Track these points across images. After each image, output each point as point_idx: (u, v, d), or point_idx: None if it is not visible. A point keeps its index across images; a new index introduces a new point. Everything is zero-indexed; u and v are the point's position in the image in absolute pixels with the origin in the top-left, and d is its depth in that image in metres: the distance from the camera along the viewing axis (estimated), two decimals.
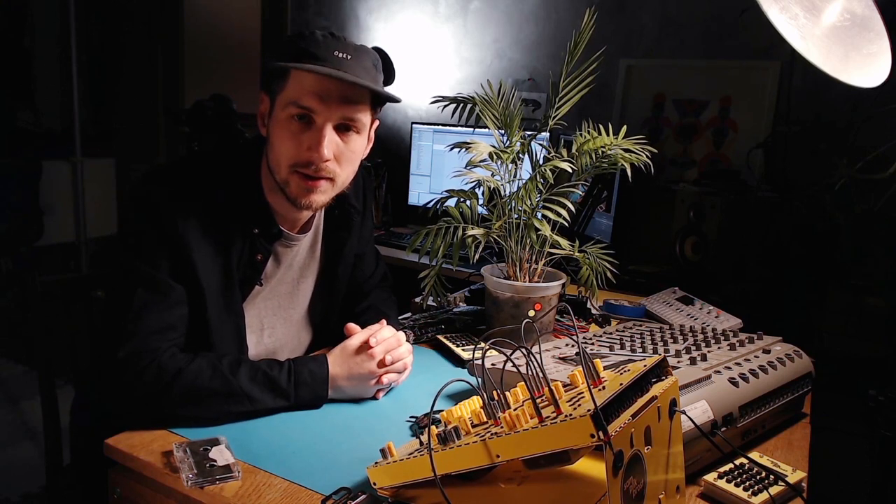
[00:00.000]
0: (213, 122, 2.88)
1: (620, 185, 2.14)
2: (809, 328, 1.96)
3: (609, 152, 1.30)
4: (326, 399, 1.10)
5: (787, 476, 0.90)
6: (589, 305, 1.61)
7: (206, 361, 1.04)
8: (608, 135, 1.31)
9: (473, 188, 1.35)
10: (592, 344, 1.22)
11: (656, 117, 2.45)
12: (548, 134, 2.16)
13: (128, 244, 1.10)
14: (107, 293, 1.21)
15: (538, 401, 0.72)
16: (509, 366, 0.76)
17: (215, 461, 0.89)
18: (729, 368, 1.02)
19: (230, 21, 3.87)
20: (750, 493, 0.86)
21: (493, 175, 1.34)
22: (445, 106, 1.38)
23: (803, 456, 1.02)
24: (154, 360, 1.02)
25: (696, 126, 2.38)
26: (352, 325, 1.18)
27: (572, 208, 1.31)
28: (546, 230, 1.29)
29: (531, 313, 1.33)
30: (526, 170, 1.36)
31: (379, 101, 1.14)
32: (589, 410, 0.65)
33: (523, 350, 0.74)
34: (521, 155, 1.34)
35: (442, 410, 0.90)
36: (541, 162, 1.35)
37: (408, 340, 1.21)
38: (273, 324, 1.27)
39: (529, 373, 0.75)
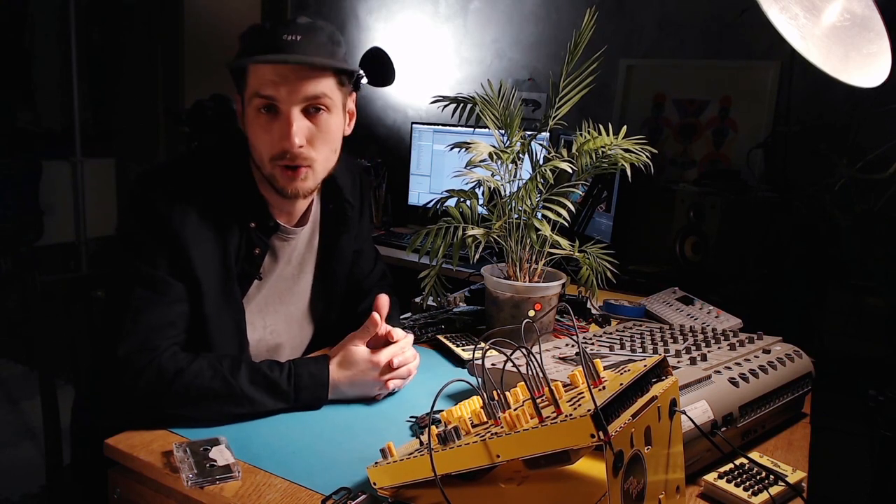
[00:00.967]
0: (213, 122, 2.88)
1: (620, 185, 2.14)
2: (809, 328, 1.96)
3: (609, 152, 1.30)
4: (327, 401, 1.10)
5: (787, 476, 0.90)
6: (589, 305, 1.61)
7: (206, 362, 1.04)
8: (608, 135, 1.31)
9: (473, 188, 1.35)
10: (592, 344, 1.22)
11: (656, 117, 2.45)
12: (548, 134, 2.16)
13: (126, 243, 1.10)
14: (106, 293, 1.21)
15: (538, 401, 0.72)
16: (509, 366, 0.76)
17: (215, 461, 0.89)
18: (729, 368, 1.02)
19: (230, 21, 3.87)
20: (750, 493, 0.86)
21: (493, 175, 1.34)
22: (445, 106, 1.38)
23: (803, 456, 1.02)
24: (154, 359, 1.02)
25: (696, 126, 2.38)
26: (375, 316, 1.15)
27: (572, 208, 1.31)
28: (546, 230, 1.29)
29: (531, 313, 1.33)
30: (526, 170, 1.36)
31: (348, 74, 1.13)
32: (589, 410, 0.65)
33: (523, 350, 0.74)
34: (521, 155, 1.34)
35: (442, 410, 0.90)
36: (541, 162, 1.35)
37: None
38: (274, 319, 1.27)
39: (529, 373, 0.75)
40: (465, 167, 1.32)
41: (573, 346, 1.23)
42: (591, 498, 0.81)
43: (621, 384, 0.72)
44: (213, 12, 3.95)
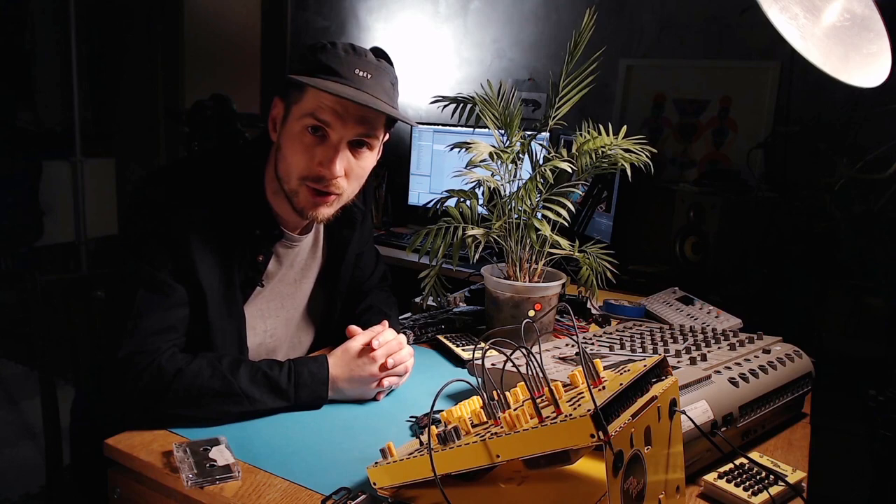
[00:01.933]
0: (213, 122, 2.88)
1: (620, 185, 2.14)
2: (809, 328, 1.96)
3: (609, 152, 1.30)
4: (327, 400, 1.10)
5: (787, 476, 0.90)
6: (589, 305, 1.61)
7: (205, 361, 1.04)
8: (608, 135, 1.31)
9: (473, 188, 1.35)
10: (592, 344, 1.22)
11: (656, 117, 2.45)
12: (548, 134, 2.16)
13: (129, 245, 1.09)
14: (107, 294, 1.21)
15: (538, 401, 0.72)
16: (509, 366, 0.76)
17: (215, 461, 0.89)
18: (729, 368, 1.02)
19: (230, 21, 3.87)
20: (750, 493, 0.86)
21: (493, 175, 1.34)
22: (445, 106, 1.38)
23: (803, 456, 1.02)
24: (154, 361, 1.02)
25: (696, 126, 2.38)
26: (353, 328, 1.17)
27: (572, 208, 1.31)
28: (546, 230, 1.29)
29: (531, 313, 1.33)
30: (526, 170, 1.36)
31: (392, 119, 1.13)
32: (589, 410, 0.65)
33: (523, 350, 0.74)
34: (521, 155, 1.35)
35: (442, 410, 0.90)
36: (541, 162, 1.35)
37: (408, 341, 1.21)
38: (274, 323, 1.27)
39: (529, 373, 0.76)
40: (465, 167, 1.32)
41: (573, 346, 1.23)
42: (591, 498, 0.81)
43: (621, 384, 0.72)
44: (213, 12, 3.95)
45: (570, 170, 1.30)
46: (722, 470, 0.90)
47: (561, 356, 1.16)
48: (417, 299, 1.60)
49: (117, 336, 1.04)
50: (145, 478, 0.94)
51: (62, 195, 3.64)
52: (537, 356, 0.76)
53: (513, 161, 1.34)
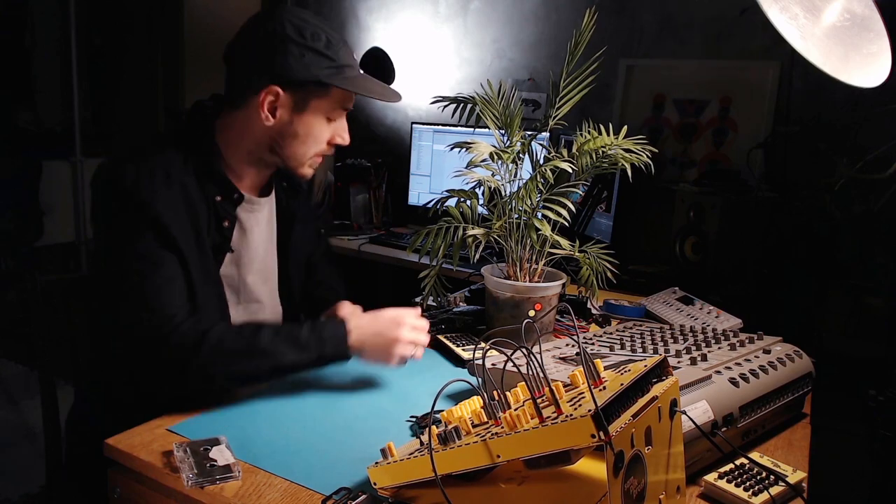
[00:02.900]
0: (212, 123, 2.88)
1: (620, 185, 2.14)
2: (809, 328, 1.96)
3: (609, 152, 1.30)
4: (350, 353, 1.13)
5: (787, 476, 0.90)
6: (589, 305, 1.61)
7: (226, 325, 1.10)
8: (608, 135, 1.31)
9: (474, 188, 1.35)
10: (593, 344, 1.22)
11: (656, 117, 2.45)
12: (548, 134, 2.16)
13: (109, 230, 1.13)
14: (100, 275, 1.22)
15: (539, 401, 0.72)
16: (510, 366, 0.76)
17: (215, 461, 0.90)
18: (729, 368, 1.02)
19: (230, 21, 3.85)
20: (750, 493, 0.86)
21: (493, 175, 1.34)
22: (445, 106, 1.38)
23: (803, 456, 1.02)
24: (175, 329, 1.05)
25: (696, 126, 2.38)
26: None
27: (572, 208, 1.31)
28: (546, 230, 1.29)
29: (531, 313, 1.33)
30: (526, 170, 1.36)
31: None
32: (590, 410, 0.65)
33: (523, 350, 0.74)
34: (521, 155, 1.35)
35: (442, 410, 0.90)
36: (541, 162, 1.35)
37: None
38: (248, 292, 1.29)
39: (530, 373, 0.75)
40: (465, 167, 1.32)
41: (573, 346, 1.23)
42: (592, 498, 0.81)
43: (622, 384, 0.72)
44: (213, 12, 3.95)
45: (570, 170, 1.30)
46: (722, 470, 0.90)
47: (561, 356, 1.16)
48: (417, 299, 1.60)
49: (128, 315, 1.07)
50: (145, 478, 0.94)
51: (62, 195, 3.63)
52: (538, 356, 0.76)
53: (513, 161, 1.34)
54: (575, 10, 2.57)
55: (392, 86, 1.23)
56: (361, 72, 1.20)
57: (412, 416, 1.09)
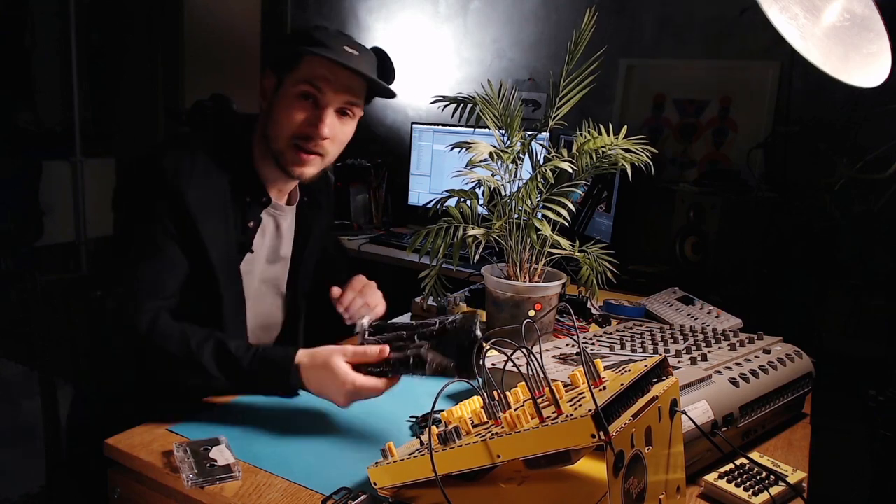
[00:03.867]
0: (212, 123, 2.88)
1: (620, 185, 2.14)
2: (809, 328, 1.96)
3: (609, 152, 1.30)
4: (291, 389, 1.04)
5: (787, 476, 0.90)
6: (589, 305, 1.61)
7: (179, 330, 1.06)
8: (608, 135, 1.31)
9: (473, 188, 1.35)
10: (593, 344, 1.22)
11: (656, 117, 2.45)
12: (548, 134, 2.16)
13: (129, 211, 1.15)
14: (109, 250, 1.24)
15: (539, 401, 0.72)
16: (510, 366, 0.76)
17: (215, 461, 0.90)
18: (729, 368, 1.02)
19: (230, 21, 3.86)
20: (750, 493, 0.86)
21: (493, 175, 1.34)
22: (445, 106, 1.38)
23: (803, 456, 1.02)
24: (137, 317, 1.05)
25: (696, 126, 2.38)
26: (335, 290, 1.29)
27: (572, 208, 1.31)
28: (546, 230, 1.29)
29: (531, 313, 1.33)
30: (526, 170, 1.36)
31: (369, 96, 1.24)
32: (590, 411, 0.65)
33: (523, 350, 0.74)
34: (521, 155, 1.34)
35: (442, 410, 0.90)
36: (541, 162, 1.35)
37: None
38: (261, 292, 1.30)
39: (530, 373, 0.75)
40: (465, 167, 1.32)
41: (573, 346, 1.23)
42: (592, 498, 0.81)
43: (622, 384, 0.72)
44: (213, 12, 3.95)
45: (570, 170, 1.30)
46: (722, 470, 0.90)
47: (561, 356, 1.16)
48: (417, 299, 1.60)
49: (112, 286, 1.09)
50: (145, 478, 0.94)
51: (62, 195, 3.63)
52: (538, 356, 0.76)
53: (513, 161, 1.33)
54: (575, 10, 2.57)
55: (392, 86, 1.23)
56: (347, 51, 1.15)
57: (412, 416, 1.08)
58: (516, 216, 1.33)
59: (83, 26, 3.76)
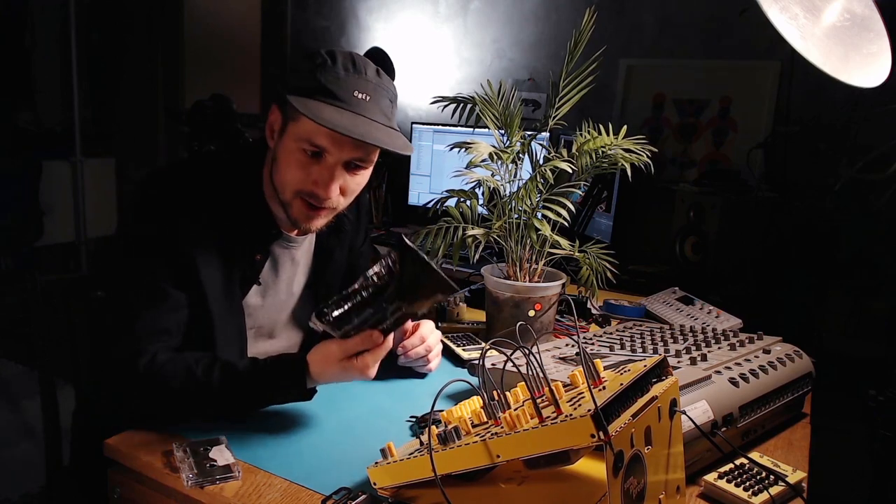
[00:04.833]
0: (213, 122, 2.88)
1: (620, 185, 2.14)
2: (809, 328, 1.96)
3: (609, 152, 1.30)
4: (308, 391, 1.04)
5: (787, 476, 0.90)
6: (589, 305, 1.61)
7: (182, 362, 1.03)
8: (608, 135, 1.31)
9: (473, 188, 1.35)
10: (592, 344, 1.22)
11: (656, 117, 2.45)
12: (548, 134, 2.16)
13: (127, 247, 1.11)
14: (106, 294, 1.21)
15: (538, 401, 0.72)
16: (509, 366, 0.76)
17: (215, 461, 0.90)
18: (729, 368, 1.02)
19: (230, 21, 3.86)
20: (750, 493, 0.86)
21: (493, 175, 1.34)
22: (445, 106, 1.38)
23: (803, 456, 1.02)
24: (139, 362, 1.02)
25: (696, 126, 2.38)
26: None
27: (572, 208, 1.31)
28: (546, 230, 1.29)
29: (531, 313, 1.33)
30: (526, 170, 1.36)
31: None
32: (589, 410, 0.65)
33: (523, 350, 0.74)
34: (521, 155, 1.35)
35: (442, 410, 0.90)
36: (541, 162, 1.35)
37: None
38: (271, 326, 1.27)
39: (530, 373, 0.75)
40: (465, 167, 1.32)
41: (573, 346, 1.23)
42: (591, 498, 0.81)
43: (621, 384, 0.72)
44: (213, 12, 3.95)
45: (570, 170, 1.30)
46: (722, 470, 0.90)
47: (561, 356, 1.16)
48: None
49: (112, 337, 1.05)
50: (145, 478, 0.94)
51: (62, 195, 3.64)
52: (537, 356, 0.76)
53: (513, 161, 1.34)
54: (575, 10, 2.57)
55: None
56: (356, 97, 1.03)
57: (412, 416, 1.09)
58: (516, 216, 1.33)
59: (83, 26, 3.77)
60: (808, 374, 1.12)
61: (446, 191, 1.39)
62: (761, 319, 1.43)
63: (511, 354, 0.75)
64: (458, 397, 1.15)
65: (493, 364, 1.07)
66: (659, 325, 1.37)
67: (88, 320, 1.45)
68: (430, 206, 1.40)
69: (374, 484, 0.82)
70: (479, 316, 1.53)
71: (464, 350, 1.36)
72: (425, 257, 0.96)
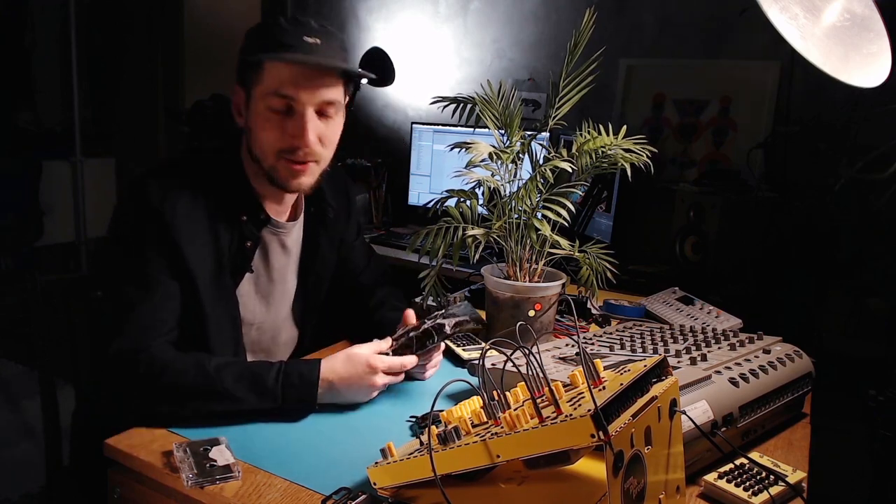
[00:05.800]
0: (212, 122, 2.88)
1: (620, 185, 2.14)
2: (809, 328, 1.96)
3: (609, 152, 1.30)
4: (316, 403, 1.07)
5: (787, 476, 0.90)
6: (589, 305, 1.61)
7: (192, 360, 1.05)
8: (608, 135, 1.31)
9: (473, 188, 1.35)
10: (592, 344, 1.22)
11: (656, 117, 2.45)
12: (548, 134, 2.16)
13: (119, 241, 1.13)
14: (103, 289, 1.23)
15: (538, 401, 0.72)
16: (509, 366, 0.76)
17: (215, 461, 0.89)
18: (729, 368, 1.01)
19: (230, 21, 3.86)
20: (750, 493, 0.86)
21: (493, 175, 1.34)
22: (445, 106, 1.38)
23: (803, 456, 1.02)
24: (142, 358, 1.03)
25: (696, 126, 2.38)
26: (409, 313, 1.24)
27: (572, 208, 1.31)
28: (546, 230, 1.29)
29: (531, 313, 1.33)
30: (526, 170, 1.36)
31: (350, 78, 1.17)
32: (589, 410, 0.65)
33: (523, 350, 0.74)
34: (521, 155, 1.34)
35: (442, 410, 0.90)
36: (541, 162, 1.35)
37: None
38: (266, 316, 1.28)
39: (529, 373, 0.75)
40: (465, 167, 1.32)
41: (573, 346, 1.23)
42: (591, 498, 0.81)
43: (621, 384, 0.72)
44: (213, 12, 3.95)
45: (570, 170, 1.30)
46: (722, 470, 0.90)
47: (561, 356, 1.16)
48: (417, 299, 1.60)
49: (108, 333, 1.06)
50: (145, 478, 0.94)
51: (62, 195, 3.64)
52: (537, 356, 0.76)
53: (513, 161, 1.34)
54: (575, 10, 2.57)
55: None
56: (307, 41, 1.08)
57: (412, 416, 1.09)
58: (516, 216, 1.33)
59: (83, 26, 3.76)
60: (808, 374, 1.12)
61: (446, 191, 1.39)
62: (761, 319, 1.43)
63: (511, 354, 0.75)
64: (458, 397, 1.15)
65: (493, 364, 1.07)
66: (659, 325, 1.37)
67: (88, 320, 1.45)
68: (430, 206, 1.40)
69: (374, 484, 0.82)
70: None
71: (464, 350, 1.36)
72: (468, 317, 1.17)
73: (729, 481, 0.88)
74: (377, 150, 3.05)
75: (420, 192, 2.79)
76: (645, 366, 0.77)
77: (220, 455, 0.91)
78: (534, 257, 1.36)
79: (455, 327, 1.15)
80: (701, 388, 0.94)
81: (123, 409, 1.05)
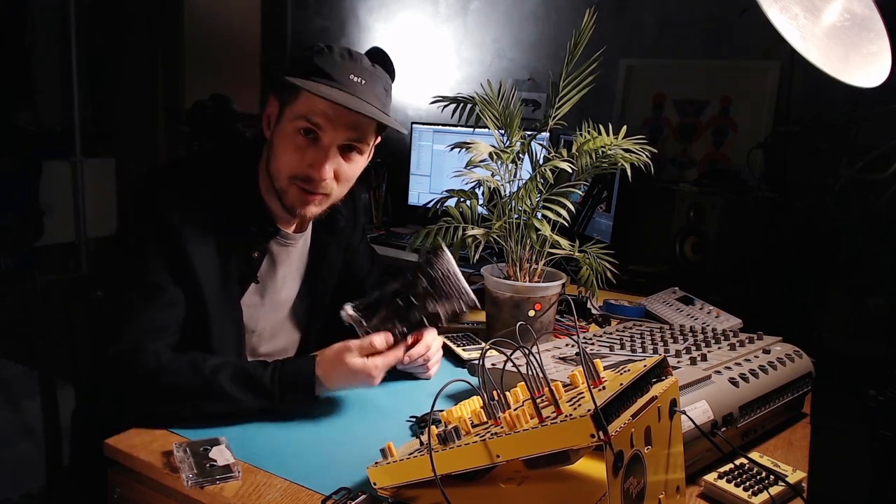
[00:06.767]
0: (212, 122, 2.88)
1: (620, 185, 2.14)
2: (809, 328, 1.96)
3: (609, 152, 1.30)
4: (314, 395, 1.06)
5: (787, 476, 0.90)
6: (589, 305, 1.61)
7: (188, 360, 1.04)
8: (608, 135, 1.31)
9: (473, 188, 1.35)
10: (592, 344, 1.22)
11: (656, 117, 2.45)
12: (548, 134, 2.16)
13: (125, 244, 1.11)
14: (105, 292, 1.22)
15: (538, 401, 0.72)
16: (509, 366, 0.76)
17: (215, 461, 0.89)
18: (729, 368, 1.02)
19: (230, 21, 3.87)
20: (750, 493, 0.86)
21: (493, 175, 1.34)
22: (445, 106, 1.38)
23: (803, 456, 1.02)
24: (139, 359, 1.03)
25: (696, 126, 2.38)
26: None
27: (572, 208, 1.31)
28: (546, 230, 1.29)
29: (531, 313, 1.33)
30: (526, 170, 1.36)
31: (384, 124, 1.14)
32: (589, 410, 0.65)
33: (523, 350, 0.74)
34: (521, 155, 1.35)
35: (442, 410, 0.90)
36: (541, 162, 1.35)
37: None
38: (268, 323, 1.28)
39: (529, 373, 0.75)
40: (464, 167, 1.32)
41: (573, 346, 1.23)
42: (591, 498, 0.81)
43: (621, 384, 0.72)
44: (213, 12, 3.95)
45: (570, 170, 1.30)
46: (722, 470, 0.90)
47: (561, 356, 1.16)
48: None
49: (108, 335, 1.05)
50: (145, 478, 0.94)
51: (62, 195, 3.64)
52: (537, 356, 0.76)
53: (513, 161, 1.34)
54: (575, 10, 2.57)
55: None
56: (352, 80, 1.07)
57: (412, 416, 1.08)
58: (516, 216, 1.33)
59: (83, 26, 3.76)
60: (808, 374, 1.12)
61: (446, 191, 1.39)
62: (761, 319, 1.43)
63: (511, 354, 0.75)
64: (458, 397, 1.15)
65: (493, 364, 1.07)
66: (659, 325, 1.37)
67: (88, 320, 1.45)
68: (430, 206, 1.40)
69: (374, 484, 0.82)
70: (479, 316, 1.53)
71: (464, 350, 1.36)
72: (455, 265, 1.08)
73: (729, 481, 0.88)
74: (377, 149, 3.04)
75: (420, 192, 2.79)
76: (645, 366, 0.77)
77: (220, 455, 0.91)
78: (534, 257, 1.36)
79: (450, 318, 1.10)
80: (701, 388, 0.94)
81: (123, 409, 1.05)
